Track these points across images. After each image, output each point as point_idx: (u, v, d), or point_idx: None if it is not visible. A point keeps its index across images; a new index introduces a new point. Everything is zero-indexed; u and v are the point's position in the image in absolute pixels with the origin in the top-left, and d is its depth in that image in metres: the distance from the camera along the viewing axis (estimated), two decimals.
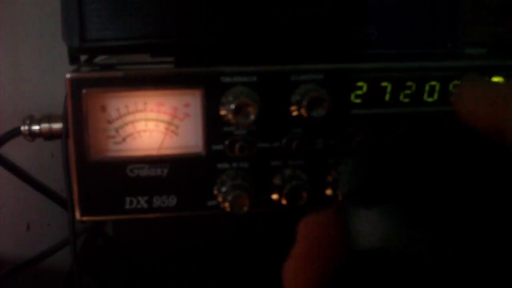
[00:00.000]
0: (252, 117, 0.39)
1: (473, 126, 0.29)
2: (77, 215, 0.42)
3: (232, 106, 0.39)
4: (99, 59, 0.48)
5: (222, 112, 0.41)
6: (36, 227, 0.71)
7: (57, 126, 0.45)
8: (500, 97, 0.28)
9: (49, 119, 0.45)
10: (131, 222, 0.56)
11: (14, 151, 0.57)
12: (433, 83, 0.44)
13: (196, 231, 0.59)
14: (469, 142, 0.31)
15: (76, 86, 0.41)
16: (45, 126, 0.45)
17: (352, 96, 0.43)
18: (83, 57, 0.46)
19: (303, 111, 0.40)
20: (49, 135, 0.46)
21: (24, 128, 0.46)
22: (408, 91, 0.44)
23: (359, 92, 0.43)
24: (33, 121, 0.46)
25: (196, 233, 0.60)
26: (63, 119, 0.44)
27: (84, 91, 0.41)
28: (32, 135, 0.46)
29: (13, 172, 0.59)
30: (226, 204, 0.40)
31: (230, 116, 0.40)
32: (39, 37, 0.68)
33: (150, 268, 0.60)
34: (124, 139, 0.42)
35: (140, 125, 0.42)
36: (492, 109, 0.27)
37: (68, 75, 0.41)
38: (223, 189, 0.41)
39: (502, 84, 0.28)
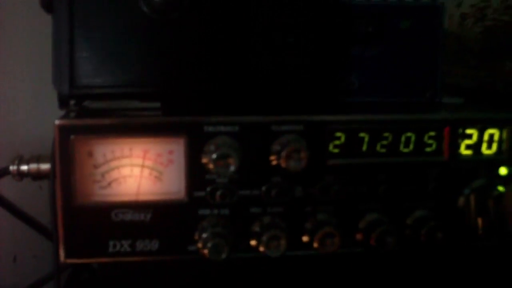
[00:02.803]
0: (232, 168, 0.41)
1: None
2: (62, 257, 0.43)
3: (214, 156, 0.41)
4: (88, 102, 0.50)
5: (204, 160, 0.42)
6: (23, 259, 0.72)
7: (45, 166, 0.47)
8: None
9: (38, 159, 0.47)
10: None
11: (1, 183, 0.58)
12: (409, 134, 0.46)
13: (180, 268, 0.60)
14: None
15: (64, 132, 0.42)
16: (33, 166, 0.47)
17: (331, 146, 0.45)
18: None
19: (282, 162, 0.42)
20: (37, 175, 0.47)
21: (13, 167, 0.47)
22: (385, 142, 0.46)
23: (337, 142, 0.45)
24: (22, 161, 0.47)
25: (181, 270, 0.61)
26: (51, 160, 0.45)
27: (72, 137, 0.42)
28: (21, 175, 0.47)
29: (0, 204, 0.60)
30: (205, 251, 0.42)
31: (211, 165, 0.41)
32: (31, 78, 0.70)
33: None
34: (109, 184, 0.43)
35: (126, 171, 0.44)
36: None
37: (56, 122, 0.42)
38: (204, 235, 0.42)
39: None
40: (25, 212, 0.61)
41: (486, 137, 0.47)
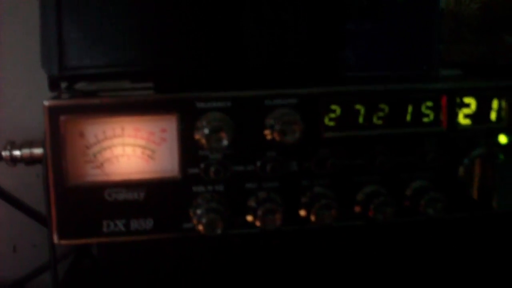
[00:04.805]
0: (225, 142, 0.40)
1: None
2: (55, 238, 0.43)
3: (206, 131, 0.40)
4: (80, 85, 0.49)
5: (197, 137, 0.42)
6: (23, 248, 0.72)
7: (38, 151, 0.46)
8: None
9: (30, 144, 0.46)
10: (115, 243, 0.57)
11: None
12: (405, 105, 0.45)
13: (183, 251, 0.60)
14: None
15: (54, 113, 0.41)
16: (26, 151, 0.46)
17: (326, 119, 0.44)
18: (64, 84, 0.47)
19: (276, 135, 0.41)
20: (30, 160, 0.47)
21: (5, 153, 0.46)
22: (381, 113, 0.45)
23: (332, 115, 0.44)
24: (14, 146, 0.46)
25: (183, 253, 0.60)
26: (44, 144, 0.44)
27: (62, 118, 0.42)
28: (13, 160, 0.47)
29: None
30: (200, 227, 0.41)
31: (204, 141, 0.41)
32: (21, 63, 0.70)
33: None
34: (101, 164, 0.43)
35: (118, 150, 0.43)
36: None
37: (46, 103, 0.42)
38: (198, 211, 0.42)
39: None
40: (22, 201, 0.61)
41: (484, 105, 0.46)
